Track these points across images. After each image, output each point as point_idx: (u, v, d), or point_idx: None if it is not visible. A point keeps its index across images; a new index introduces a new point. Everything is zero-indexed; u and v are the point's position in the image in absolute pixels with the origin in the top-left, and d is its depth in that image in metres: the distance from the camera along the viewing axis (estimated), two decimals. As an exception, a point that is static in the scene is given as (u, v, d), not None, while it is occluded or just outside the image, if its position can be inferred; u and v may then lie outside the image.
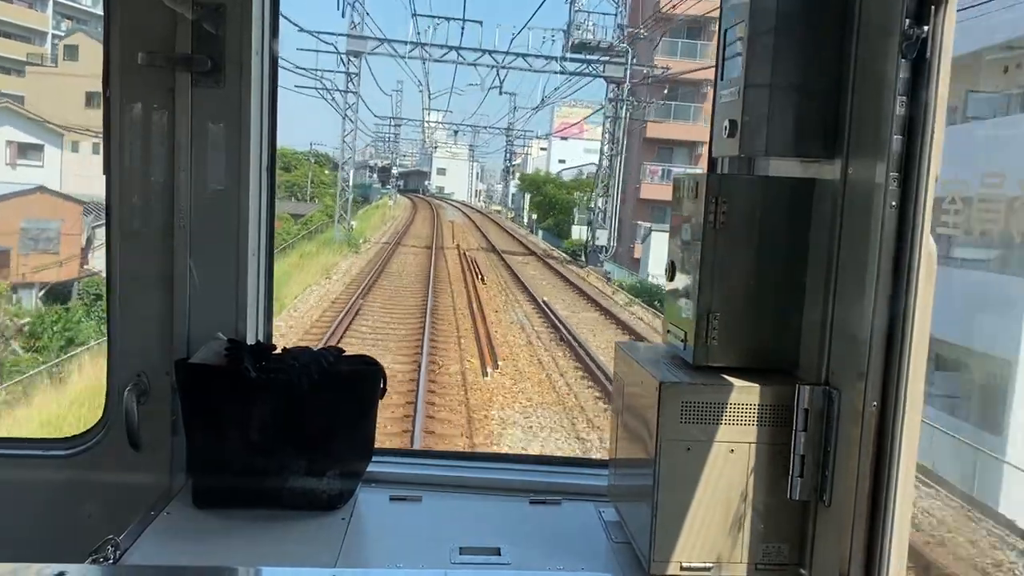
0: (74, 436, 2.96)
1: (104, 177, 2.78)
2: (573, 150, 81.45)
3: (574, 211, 55.96)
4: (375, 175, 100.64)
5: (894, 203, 1.88)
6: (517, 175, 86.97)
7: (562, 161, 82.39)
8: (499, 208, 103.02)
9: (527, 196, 75.60)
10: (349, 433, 2.74)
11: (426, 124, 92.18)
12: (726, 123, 2.27)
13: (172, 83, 2.72)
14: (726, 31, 2.37)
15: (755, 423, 2.20)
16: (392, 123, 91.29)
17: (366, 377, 2.74)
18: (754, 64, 2.20)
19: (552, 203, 62.90)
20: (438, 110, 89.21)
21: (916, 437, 1.91)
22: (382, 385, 2.75)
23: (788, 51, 2.13)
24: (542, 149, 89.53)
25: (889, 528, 1.92)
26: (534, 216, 69.50)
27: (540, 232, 63.50)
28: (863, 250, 1.95)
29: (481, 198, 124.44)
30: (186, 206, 2.75)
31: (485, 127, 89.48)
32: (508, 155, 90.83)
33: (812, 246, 2.21)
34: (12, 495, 2.88)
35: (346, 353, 2.81)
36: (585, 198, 54.69)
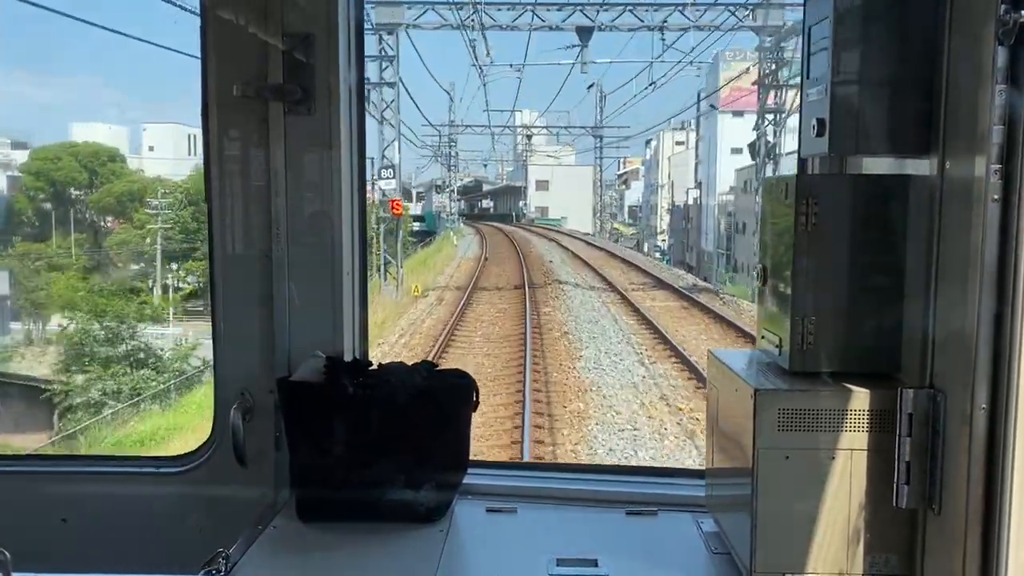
0: (186, 453, 3.11)
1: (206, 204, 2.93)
2: (746, 131, 39.87)
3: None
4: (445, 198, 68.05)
5: (996, 196, 1.80)
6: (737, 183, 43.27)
7: (737, 151, 44.35)
8: (631, 230, 65.30)
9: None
10: (444, 446, 2.78)
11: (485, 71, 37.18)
12: (814, 122, 2.21)
13: (265, 113, 2.83)
14: (810, 28, 2.32)
15: (856, 429, 2.13)
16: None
17: (459, 390, 2.78)
18: (841, 60, 2.14)
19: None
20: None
21: None
22: (475, 398, 2.78)
23: (876, 44, 2.07)
24: (678, 143, 55.79)
25: (1006, 537, 1.82)
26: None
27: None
28: (965, 246, 1.87)
29: (604, 217, 79.96)
30: (283, 230, 2.86)
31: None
32: (702, 101, 37.64)
33: (910, 244, 2.14)
34: (129, 509, 3.04)
35: (439, 367, 2.86)
36: None
